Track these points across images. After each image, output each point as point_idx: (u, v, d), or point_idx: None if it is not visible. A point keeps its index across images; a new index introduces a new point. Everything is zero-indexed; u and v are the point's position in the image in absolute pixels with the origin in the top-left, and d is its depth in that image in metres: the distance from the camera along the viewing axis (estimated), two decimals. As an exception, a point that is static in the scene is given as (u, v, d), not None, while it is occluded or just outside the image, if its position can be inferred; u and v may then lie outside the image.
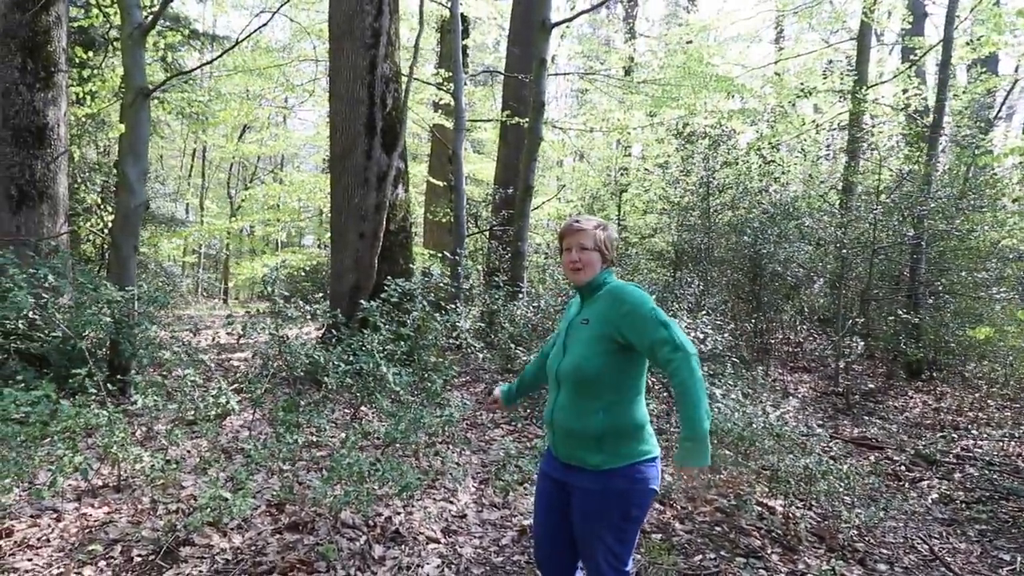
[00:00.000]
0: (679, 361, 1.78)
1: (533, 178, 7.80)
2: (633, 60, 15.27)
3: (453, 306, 5.47)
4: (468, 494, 3.67)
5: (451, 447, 4.29)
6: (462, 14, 11.00)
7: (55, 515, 3.14)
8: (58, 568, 2.69)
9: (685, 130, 11.11)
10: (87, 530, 3.02)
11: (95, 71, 8.39)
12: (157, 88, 5.64)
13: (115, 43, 9.06)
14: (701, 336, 4.71)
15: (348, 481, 3.17)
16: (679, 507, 3.67)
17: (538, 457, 3.85)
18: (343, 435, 3.83)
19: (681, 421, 1.78)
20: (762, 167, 9.79)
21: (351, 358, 4.33)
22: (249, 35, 6.22)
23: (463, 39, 11.83)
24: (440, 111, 13.62)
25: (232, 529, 3.06)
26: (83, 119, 9.02)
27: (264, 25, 6.30)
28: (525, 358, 5.58)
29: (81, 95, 8.57)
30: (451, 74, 12.34)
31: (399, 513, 3.35)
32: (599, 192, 12.77)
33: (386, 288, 4.86)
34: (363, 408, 4.88)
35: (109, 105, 8.87)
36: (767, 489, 3.83)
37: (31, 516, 3.10)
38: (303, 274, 12.11)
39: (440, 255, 11.56)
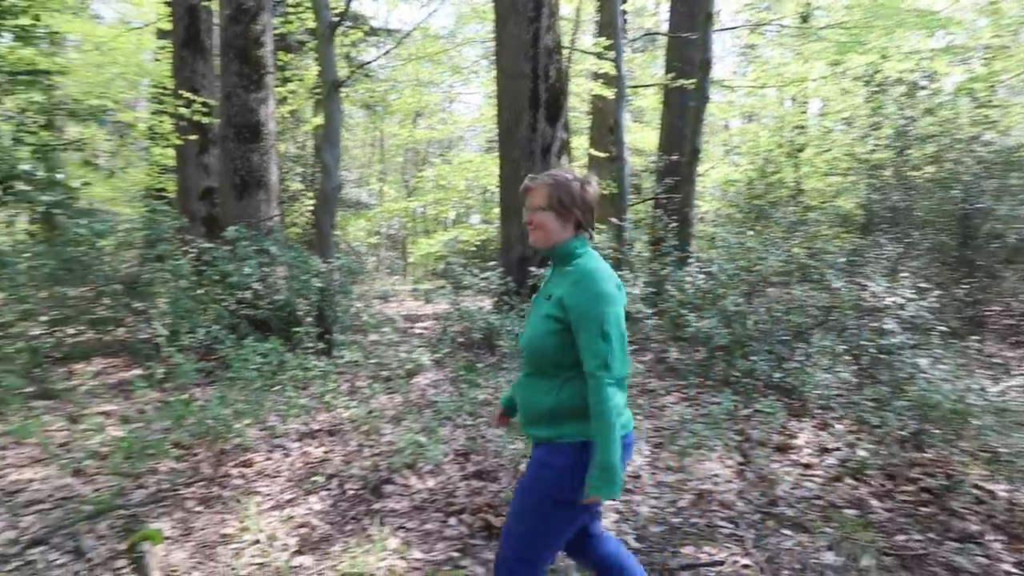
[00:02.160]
0: (596, 382, 1.65)
1: (700, 141, 7.46)
2: (810, 5, 13.86)
3: (621, 274, 5.45)
4: (642, 456, 3.68)
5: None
6: (622, -23, 10.71)
7: (284, 451, 3.68)
8: (290, 494, 3.16)
9: (876, 77, 9.92)
10: (308, 465, 3.51)
11: (294, 72, 9.43)
12: (347, 79, 6.23)
13: (306, 45, 10.11)
14: (901, 301, 4.25)
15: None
16: (876, 483, 3.38)
17: (714, 423, 3.76)
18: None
19: (595, 441, 1.67)
20: (975, 112, 8.46)
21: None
22: (420, 24, 6.63)
23: (622, 3, 11.54)
24: (600, 80, 13.44)
25: (426, 472, 3.37)
26: (285, 116, 10.20)
27: (433, 13, 6.66)
28: (697, 324, 5.42)
29: (283, 95, 9.73)
30: (611, 41, 12.11)
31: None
32: (772, 153, 11.87)
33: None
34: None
35: (304, 103, 9.95)
36: (987, 472, 3.39)
37: (266, 451, 3.67)
38: (473, 249, 12.75)
39: (603, 226, 11.56)
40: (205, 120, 9.18)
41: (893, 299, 4.23)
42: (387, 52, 6.18)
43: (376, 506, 3.03)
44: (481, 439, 3.72)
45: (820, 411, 4.16)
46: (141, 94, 14.14)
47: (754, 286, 5.63)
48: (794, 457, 3.63)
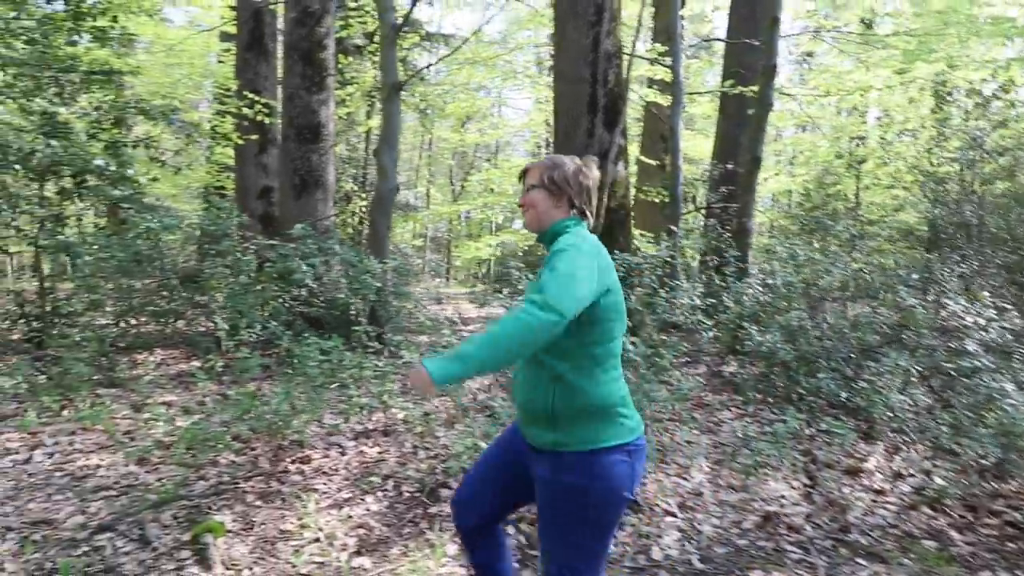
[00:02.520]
0: (529, 299, 1.39)
1: (761, 149, 7.26)
2: (874, 12, 13.41)
3: (677, 283, 5.34)
4: (702, 473, 3.57)
5: (679, 425, 4.20)
6: (681, -17, 10.54)
7: (340, 450, 3.69)
8: (347, 493, 3.16)
9: (946, 86, 9.51)
10: (364, 465, 3.51)
11: (351, 75, 9.60)
12: (407, 82, 6.28)
13: (364, 49, 10.27)
14: (982, 322, 4.01)
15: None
16: (956, 514, 3.18)
17: (778, 442, 3.61)
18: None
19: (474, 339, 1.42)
20: (1056, 124, 8.01)
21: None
22: (477, 30, 6.65)
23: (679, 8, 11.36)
24: (655, 87, 13.27)
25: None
26: (341, 117, 10.39)
27: (491, 19, 6.67)
28: (760, 338, 5.25)
29: (340, 97, 9.91)
30: (665, 48, 11.94)
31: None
32: (831, 164, 11.50)
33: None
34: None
35: (359, 105, 10.11)
36: (1079, 507, 3.16)
37: (323, 448, 3.69)
38: (519, 254, 12.73)
39: (654, 234, 11.37)
40: (267, 120, 9.40)
41: (974, 319, 4.00)
42: (447, 56, 6.23)
43: (433, 510, 3.00)
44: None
45: (892, 434, 3.96)
46: (204, 95, 14.65)
47: (816, 300, 5.42)
48: (865, 482, 3.46)
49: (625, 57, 6.90)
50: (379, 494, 3.16)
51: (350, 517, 2.92)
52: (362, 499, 3.10)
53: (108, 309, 6.32)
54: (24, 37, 6.54)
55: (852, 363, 4.32)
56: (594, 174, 1.74)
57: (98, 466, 3.46)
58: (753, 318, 5.09)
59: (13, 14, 6.54)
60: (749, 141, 7.30)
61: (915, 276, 4.74)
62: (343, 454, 3.64)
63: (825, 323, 4.59)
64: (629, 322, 4.69)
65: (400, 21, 5.98)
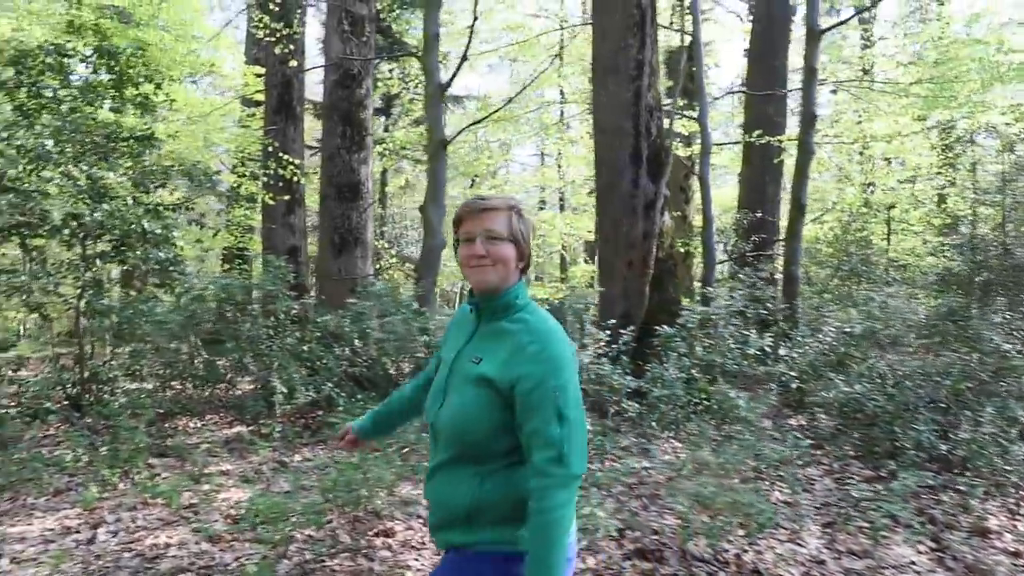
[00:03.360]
0: (547, 481, 1.23)
1: (805, 196, 7.21)
2: (866, 60, 13.73)
3: (745, 334, 5.17)
4: (815, 538, 3.31)
5: (774, 483, 3.96)
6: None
7: (421, 520, 3.45)
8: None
9: (969, 133, 9.58)
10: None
11: (386, 135, 9.71)
12: (453, 139, 6.30)
13: (398, 109, 10.43)
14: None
15: (690, 510, 3.05)
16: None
17: (896, 501, 3.36)
18: (655, 460, 3.74)
19: (528, 561, 1.24)
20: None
21: (657, 383, 4.26)
22: (515, 96, 6.74)
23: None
24: (676, 139, 13.40)
25: (582, 549, 3.08)
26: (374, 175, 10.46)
27: (527, 87, 6.76)
28: (825, 394, 5.02)
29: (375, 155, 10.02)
30: (684, 101, 12.12)
31: (746, 550, 3.12)
32: (858, 210, 11.48)
33: (679, 314, 4.75)
34: (658, 434, 4.76)
35: (391, 164, 10.20)
36: None
37: (403, 520, 3.45)
38: (546, 306, 12.62)
39: (685, 286, 11.26)
40: (300, 181, 9.47)
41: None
42: (491, 115, 6.27)
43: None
44: (633, 514, 3.41)
45: (1012, 488, 3.71)
46: (229, 158, 14.84)
47: (885, 347, 5.24)
48: (997, 543, 3.20)
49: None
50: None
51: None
52: None
53: (147, 373, 6.16)
54: (68, 105, 6.62)
55: (948, 413, 4.11)
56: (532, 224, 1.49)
57: (167, 544, 3.22)
58: (823, 368, 4.90)
59: (57, 83, 6.63)
60: (794, 188, 7.25)
61: (996, 320, 4.57)
62: (425, 526, 3.40)
63: (900, 370, 4.39)
64: (707, 375, 4.51)
65: (447, 82, 6.04)
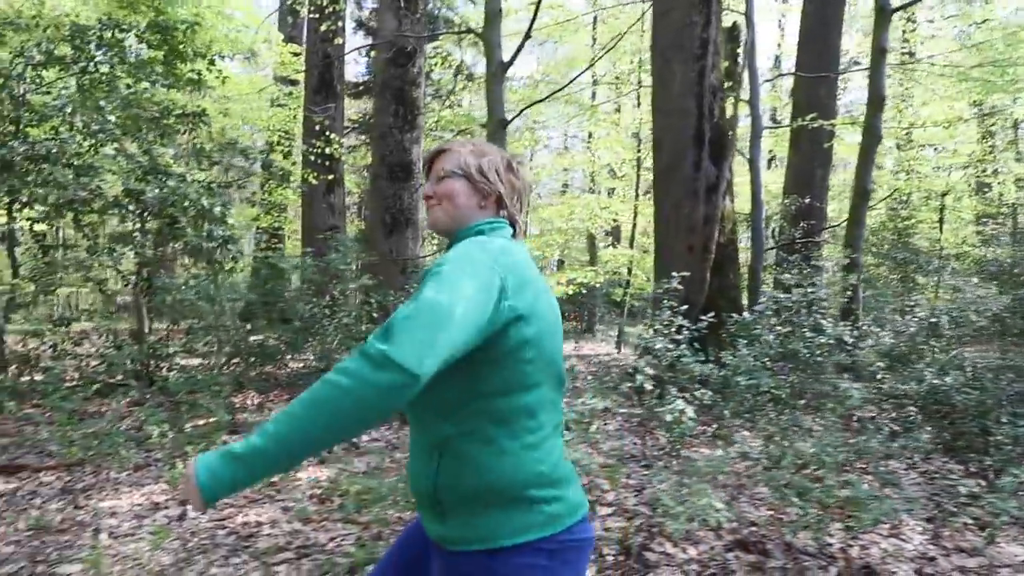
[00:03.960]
0: (360, 348, 0.96)
1: (870, 181, 7.00)
2: (910, 42, 13.31)
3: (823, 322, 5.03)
4: (916, 533, 3.21)
5: (860, 476, 3.85)
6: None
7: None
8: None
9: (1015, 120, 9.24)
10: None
11: (438, 113, 9.62)
12: (514, 118, 6.18)
13: (447, 90, 10.31)
14: None
15: (789, 502, 2.97)
16: None
17: (1006, 498, 3.24)
18: (743, 450, 3.65)
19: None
20: None
21: (733, 370, 4.16)
22: (583, 71, 6.56)
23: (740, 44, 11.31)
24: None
25: (681, 540, 3.01)
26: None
27: (589, 67, 6.59)
28: (912, 386, 4.88)
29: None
30: (730, 83, 11.81)
31: (850, 545, 3.03)
32: (909, 196, 11.20)
33: (739, 301, 4.63)
34: (731, 424, 4.67)
35: (431, 143, 10.11)
36: None
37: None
38: (582, 292, 12.50)
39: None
40: (345, 160, 9.42)
41: None
42: (554, 95, 6.15)
43: (651, 577, 2.69)
44: (728, 504, 3.33)
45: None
46: (259, 138, 14.83)
47: (961, 339, 5.08)
48: (1113, 544, 3.07)
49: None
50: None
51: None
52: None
53: (205, 350, 6.18)
54: (124, 81, 6.59)
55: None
56: (526, 174, 1.34)
57: (258, 523, 3.21)
58: (902, 359, 4.76)
59: (115, 60, 6.60)
60: (860, 172, 7.03)
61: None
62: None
63: (1004, 365, 4.24)
64: (778, 364, 4.39)
65: (509, 60, 5.90)
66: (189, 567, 2.72)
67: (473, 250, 1.10)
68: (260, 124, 12.76)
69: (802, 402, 4.18)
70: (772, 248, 10.35)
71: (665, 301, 4.32)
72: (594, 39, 13.85)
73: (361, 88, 16.34)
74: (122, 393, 5.76)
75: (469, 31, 6.43)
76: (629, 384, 5.52)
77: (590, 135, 16.84)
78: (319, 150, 8.83)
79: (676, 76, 6.47)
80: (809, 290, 4.67)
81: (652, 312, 5.45)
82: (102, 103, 5.65)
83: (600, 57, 6.02)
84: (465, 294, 1.01)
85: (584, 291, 12.62)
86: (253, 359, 5.97)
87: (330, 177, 9.58)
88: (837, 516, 3.04)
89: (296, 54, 12.25)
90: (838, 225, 9.85)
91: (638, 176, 12.14)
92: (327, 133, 8.95)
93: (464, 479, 1.09)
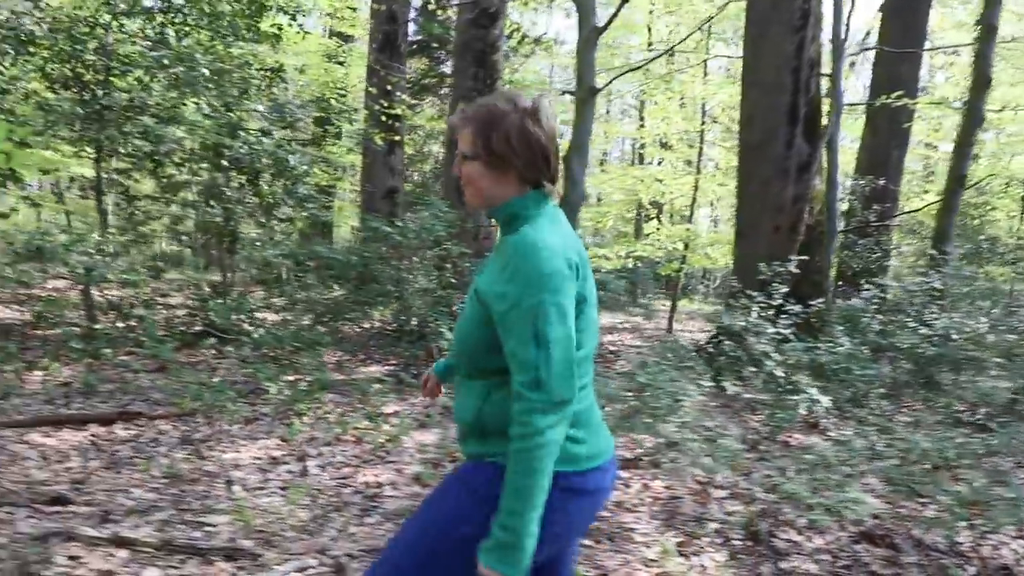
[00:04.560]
0: (529, 407, 1.13)
1: (967, 166, 6.71)
2: None
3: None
4: (1045, 535, 3.14)
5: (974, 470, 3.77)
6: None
7: (620, 481, 3.41)
8: (673, 536, 2.87)
9: None
10: (659, 501, 3.22)
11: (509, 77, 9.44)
12: (605, 86, 6.02)
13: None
14: None
15: (913, 495, 2.92)
16: None
17: None
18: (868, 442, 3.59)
19: (504, 490, 1.14)
20: None
21: (843, 358, 4.08)
22: (681, 41, 6.34)
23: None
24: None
25: (805, 528, 2.99)
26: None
27: (688, 37, 6.35)
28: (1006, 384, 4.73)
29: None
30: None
31: (980, 545, 2.98)
32: (988, 182, 10.74)
33: (823, 285, 4.50)
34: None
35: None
36: None
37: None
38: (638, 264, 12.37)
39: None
40: (406, 120, 9.35)
41: None
42: (643, 64, 5.96)
43: (784, 566, 2.68)
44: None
45: None
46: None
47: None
48: None
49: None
50: (702, 539, 2.86)
51: (704, 569, 2.62)
52: (696, 544, 2.80)
53: (284, 305, 6.27)
54: (205, 33, 6.57)
55: None
56: (550, 119, 1.28)
57: (378, 483, 3.27)
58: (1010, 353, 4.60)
59: (203, 9, 6.56)
60: (955, 157, 6.74)
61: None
62: (627, 486, 3.37)
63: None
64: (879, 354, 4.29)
65: (603, 25, 5.73)
66: (328, 524, 2.79)
67: (544, 260, 1.16)
68: (316, 80, 12.71)
69: (909, 392, 4.08)
70: (842, 231, 10.06)
71: (779, 284, 4.21)
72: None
73: (414, 47, 16.13)
74: (209, 345, 5.90)
75: (563, -7, 6.22)
76: (699, 364, 5.47)
77: (642, 104, 16.43)
78: (385, 109, 8.75)
79: (772, 48, 6.23)
80: (926, 280, 4.52)
81: (732, 292, 5.37)
82: (198, 55, 5.62)
83: (709, 20, 5.78)
84: (561, 305, 1.15)
85: (639, 264, 12.51)
86: (332, 318, 6.04)
87: (396, 138, 9.52)
88: (974, 514, 2.98)
89: (353, 9, 12.09)
90: (918, 210, 9.51)
91: (700, 149, 11.83)
92: (395, 92, 8.86)
93: (504, 414, 1.20)
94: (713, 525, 2.96)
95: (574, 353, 1.17)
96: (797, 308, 4.30)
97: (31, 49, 6.15)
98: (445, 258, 6.18)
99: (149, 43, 6.53)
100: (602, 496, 1.28)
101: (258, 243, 6.12)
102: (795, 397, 3.65)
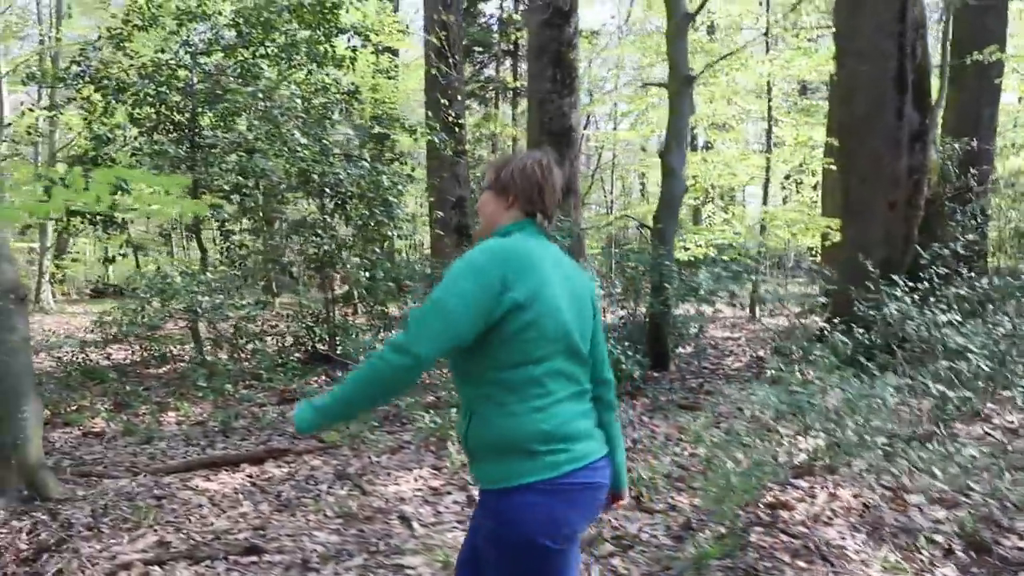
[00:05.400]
0: (389, 339, 1.34)
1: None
2: None
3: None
4: None
5: None
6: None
7: (798, 489, 3.23)
8: (886, 552, 2.67)
9: None
10: (854, 511, 3.03)
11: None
12: (700, 75, 5.81)
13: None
14: None
15: None
16: None
17: None
18: None
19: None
20: None
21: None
22: (767, 31, 6.08)
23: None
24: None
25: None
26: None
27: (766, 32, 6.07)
28: None
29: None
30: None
31: None
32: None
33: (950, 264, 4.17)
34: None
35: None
36: None
37: (779, 488, 3.23)
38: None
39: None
40: (467, 127, 9.27)
41: None
42: (734, 53, 5.72)
43: (1029, 578, 2.45)
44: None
45: None
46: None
47: None
48: None
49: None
50: (922, 552, 2.65)
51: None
52: (918, 558, 2.60)
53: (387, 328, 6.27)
54: (291, 63, 6.63)
55: None
56: (553, 170, 1.50)
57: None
58: None
59: (281, 40, 6.62)
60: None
61: None
62: (812, 496, 3.18)
63: None
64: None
65: (694, 12, 5.51)
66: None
67: (475, 255, 1.35)
68: (370, 98, 12.76)
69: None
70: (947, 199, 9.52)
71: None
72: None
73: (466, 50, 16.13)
74: (321, 371, 5.95)
75: (648, -17, 6.02)
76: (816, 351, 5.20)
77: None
78: (451, 119, 8.69)
79: (872, 14, 5.89)
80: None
81: (852, 275, 5.12)
82: (294, 88, 5.66)
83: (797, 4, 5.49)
84: (463, 291, 1.30)
85: (731, 252, 12.14)
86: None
87: (462, 148, 9.48)
88: None
89: (396, 22, 12.09)
90: (984, 173, 8.94)
91: (770, 128, 11.42)
92: (456, 100, 8.80)
93: (484, 434, 1.36)
94: (925, 535, 2.75)
95: (444, 322, 1.29)
96: (957, 291, 4.01)
97: (121, 96, 6.32)
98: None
99: (231, 80, 6.63)
100: (594, 488, 1.38)
101: (368, 266, 6.11)
102: (968, 391, 3.39)
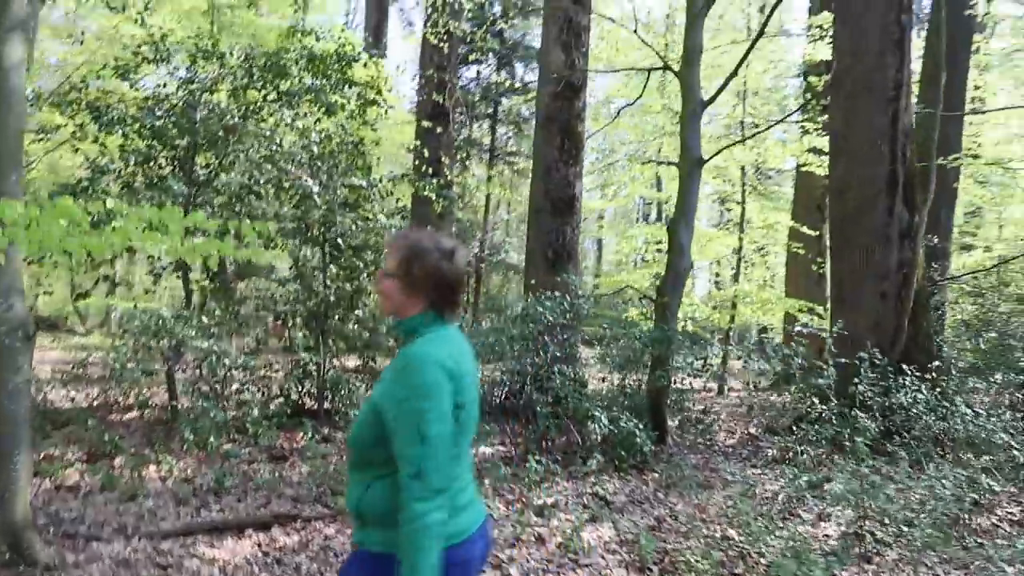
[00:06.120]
0: (408, 495, 1.34)
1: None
2: None
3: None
4: None
5: None
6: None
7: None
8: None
9: None
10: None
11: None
12: (711, 158, 6.05)
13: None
14: None
15: None
16: None
17: None
18: None
19: (403, 566, 1.34)
20: None
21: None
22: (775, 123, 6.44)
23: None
24: (809, 153, 12.75)
25: None
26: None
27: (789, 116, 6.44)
28: None
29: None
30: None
31: None
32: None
33: (936, 354, 4.40)
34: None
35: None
36: None
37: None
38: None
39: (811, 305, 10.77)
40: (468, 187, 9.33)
41: None
42: (749, 138, 6.03)
43: None
44: None
45: None
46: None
47: None
48: None
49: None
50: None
51: None
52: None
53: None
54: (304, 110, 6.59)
55: None
56: (459, 266, 1.52)
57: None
58: None
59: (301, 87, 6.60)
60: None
61: None
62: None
63: None
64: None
65: (709, 99, 5.79)
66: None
67: (428, 373, 1.38)
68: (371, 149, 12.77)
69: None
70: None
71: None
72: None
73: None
74: (307, 427, 5.65)
75: (666, 67, 6.32)
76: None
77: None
78: (435, 180, 8.68)
79: (865, 118, 6.31)
80: None
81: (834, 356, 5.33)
82: (315, 135, 5.60)
83: (801, 107, 5.88)
84: (443, 414, 1.36)
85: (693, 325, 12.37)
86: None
87: (446, 203, 9.52)
88: None
89: (385, 79, 12.27)
90: (974, 273, 9.58)
91: (743, 207, 11.93)
92: (450, 159, 8.89)
93: (379, 505, 1.42)
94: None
95: (450, 449, 1.37)
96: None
97: (117, 127, 6.09)
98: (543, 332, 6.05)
99: (234, 120, 6.52)
100: (466, 564, 1.44)
101: (352, 321, 5.94)
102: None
